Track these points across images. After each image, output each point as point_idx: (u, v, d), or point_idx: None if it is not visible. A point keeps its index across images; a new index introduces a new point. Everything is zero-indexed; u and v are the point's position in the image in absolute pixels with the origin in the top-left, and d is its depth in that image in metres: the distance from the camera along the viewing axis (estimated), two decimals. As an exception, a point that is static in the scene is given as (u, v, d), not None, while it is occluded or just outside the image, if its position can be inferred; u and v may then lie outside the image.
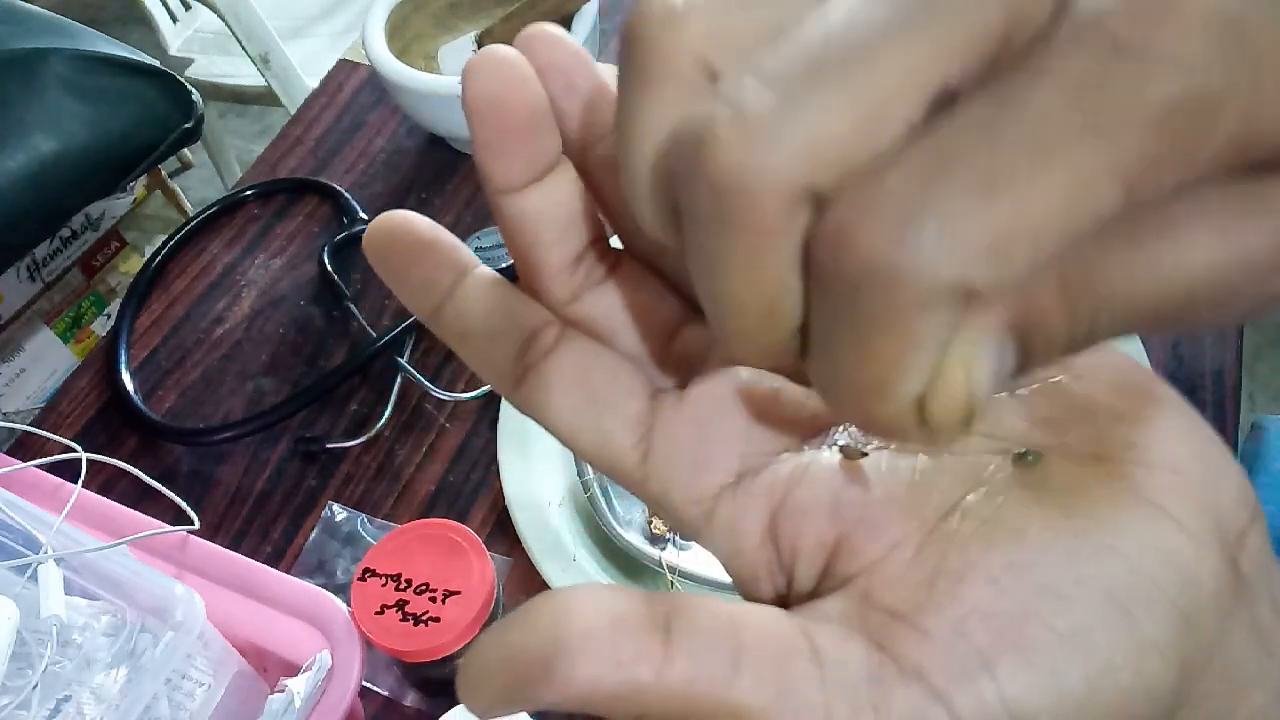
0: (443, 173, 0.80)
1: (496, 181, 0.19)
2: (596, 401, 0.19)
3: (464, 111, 0.18)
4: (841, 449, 0.19)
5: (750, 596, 0.19)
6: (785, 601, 0.18)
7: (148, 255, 0.79)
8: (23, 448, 0.68)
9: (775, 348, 0.15)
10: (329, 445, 0.65)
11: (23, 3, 0.97)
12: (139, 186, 1.04)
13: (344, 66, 0.91)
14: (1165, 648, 0.15)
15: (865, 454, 0.18)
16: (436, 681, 0.54)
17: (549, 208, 0.19)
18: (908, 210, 0.12)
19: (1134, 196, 0.12)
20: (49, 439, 0.66)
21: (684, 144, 0.14)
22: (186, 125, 0.96)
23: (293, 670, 0.49)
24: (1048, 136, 0.12)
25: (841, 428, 0.19)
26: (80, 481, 0.56)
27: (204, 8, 1.42)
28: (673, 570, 0.53)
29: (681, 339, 0.21)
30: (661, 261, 0.21)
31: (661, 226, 0.16)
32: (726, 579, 0.52)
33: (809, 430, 0.19)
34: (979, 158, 0.12)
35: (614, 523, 0.56)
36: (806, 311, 0.15)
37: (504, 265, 0.65)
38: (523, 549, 0.56)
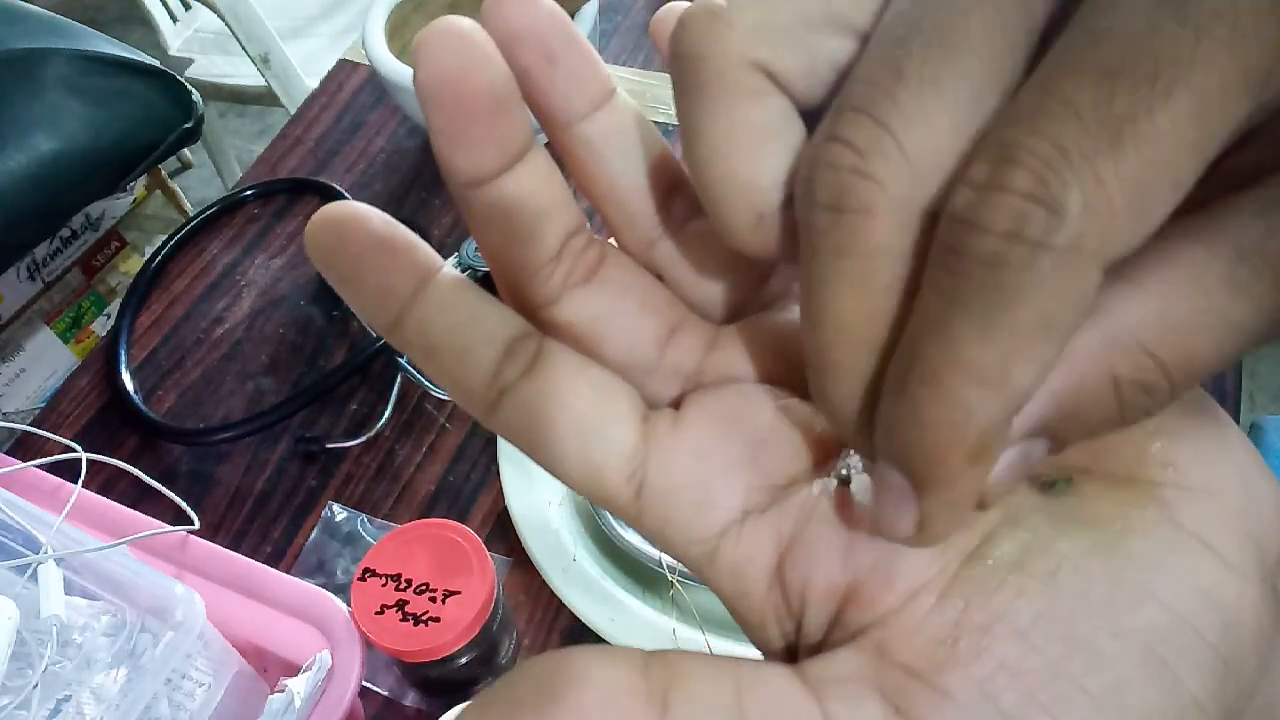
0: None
1: (460, 174, 0.16)
2: (582, 430, 0.17)
3: (417, 96, 0.16)
4: (840, 480, 0.17)
5: (757, 641, 0.17)
6: (795, 649, 0.17)
7: (148, 255, 0.79)
8: (23, 448, 0.68)
9: (860, 385, 0.15)
10: (329, 445, 0.65)
11: (23, 3, 0.97)
12: (139, 186, 1.04)
13: (344, 66, 0.91)
14: (1206, 702, 0.14)
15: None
16: (436, 681, 0.54)
17: (522, 198, 0.17)
18: (1043, 176, 0.12)
19: (1262, 99, 0.12)
20: (49, 439, 0.66)
21: (802, 165, 0.14)
22: (186, 125, 0.96)
23: (293, 670, 0.49)
24: (1160, 53, 0.11)
25: (849, 450, 0.17)
26: (80, 481, 0.56)
27: (204, 8, 1.42)
28: (672, 570, 0.53)
29: (675, 343, 0.19)
30: (655, 253, 0.19)
31: (761, 241, 0.16)
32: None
33: (818, 456, 0.18)
34: (1096, 98, 0.11)
35: (614, 523, 0.56)
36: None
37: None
38: (523, 549, 0.56)
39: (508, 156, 0.16)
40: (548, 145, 0.19)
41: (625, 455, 0.17)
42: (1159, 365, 0.14)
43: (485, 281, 0.18)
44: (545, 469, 0.17)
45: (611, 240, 0.19)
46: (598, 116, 0.18)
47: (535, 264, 0.18)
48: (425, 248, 0.17)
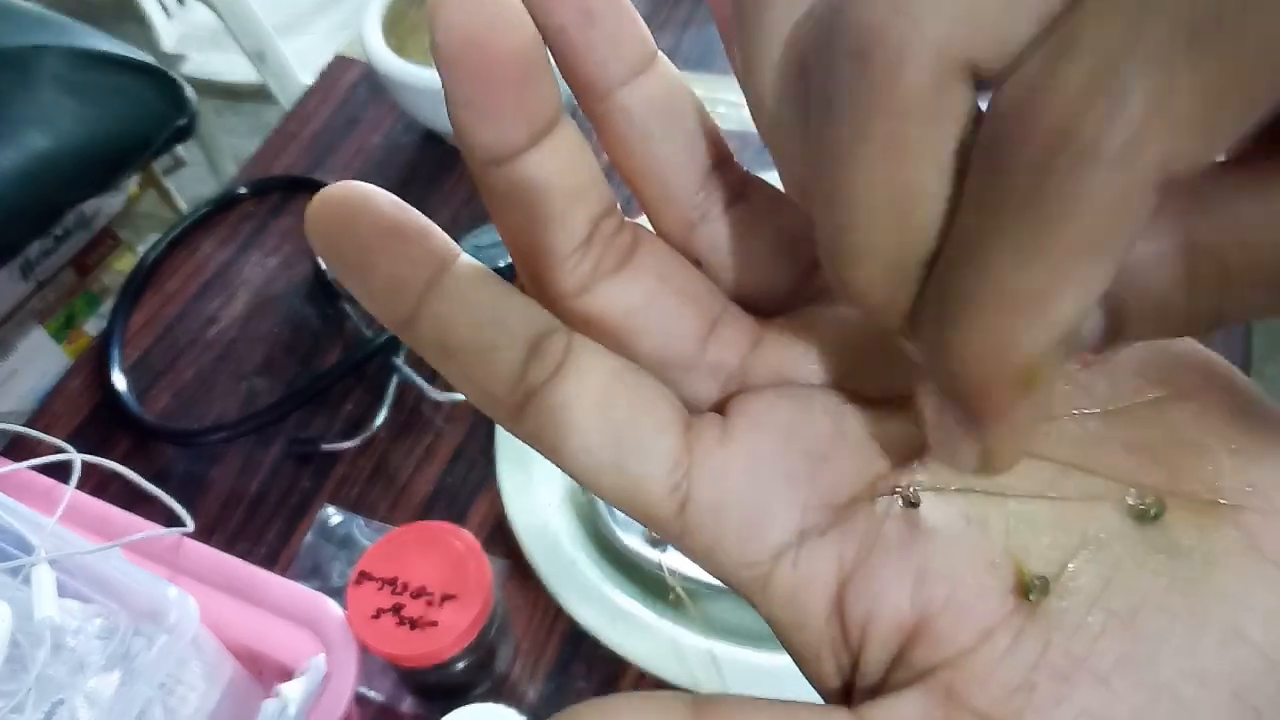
0: (439, 169, 0.80)
1: (480, 150, 0.15)
2: (620, 437, 0.15)
3: (434, 61, 0.14)
4: (908, 501, 0.15)
5: (812, 676, 0.16)
6: (850, 686, 0.15)
7: (141, 254, 0.79)
8: (15, 449, 0.67)
9: (898, 272, 0.13)
10: (324, 446, 0.65)
11: (15, -2, 0.96)
12: (132, 184, 1.03)
13: (340, 63, 0.90)
14: None
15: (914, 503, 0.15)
16: (434, 687, 0.53)
17: (549, 177, 0.15)
18: (1101, 68, 0.10)
19: None
20: (41, 440, 0.65)
21: (818, 13, 0.12)
22: (180, 122, 0.95)
23: (287, 675, 0.48)
24: None
25: (916, 463, 0.16)
26: (73, 483, 0.55)
27: (198, 3, 1.41)
28: (673, 574, 0.53)
29: (717, 338, 0.17)
30: (695, 238, 0.17)
31: (785, 129, 0.14)
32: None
33: (883, 472, 0.16)
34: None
35: (613, 525, 0.55)
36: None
37: (502, 264, 0.65)
38: (521, 552, 0.56)
39: (534, 130, 0.15)
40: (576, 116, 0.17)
41: (667, 467, 0.15)
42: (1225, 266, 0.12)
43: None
44: (578, 481, 0.16)
45: (646, 223, 0.18)
46: (639, 84, 0.16)
47: (562, 250, 0.16)
48: (440, 234, 0.15)
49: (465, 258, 0.16)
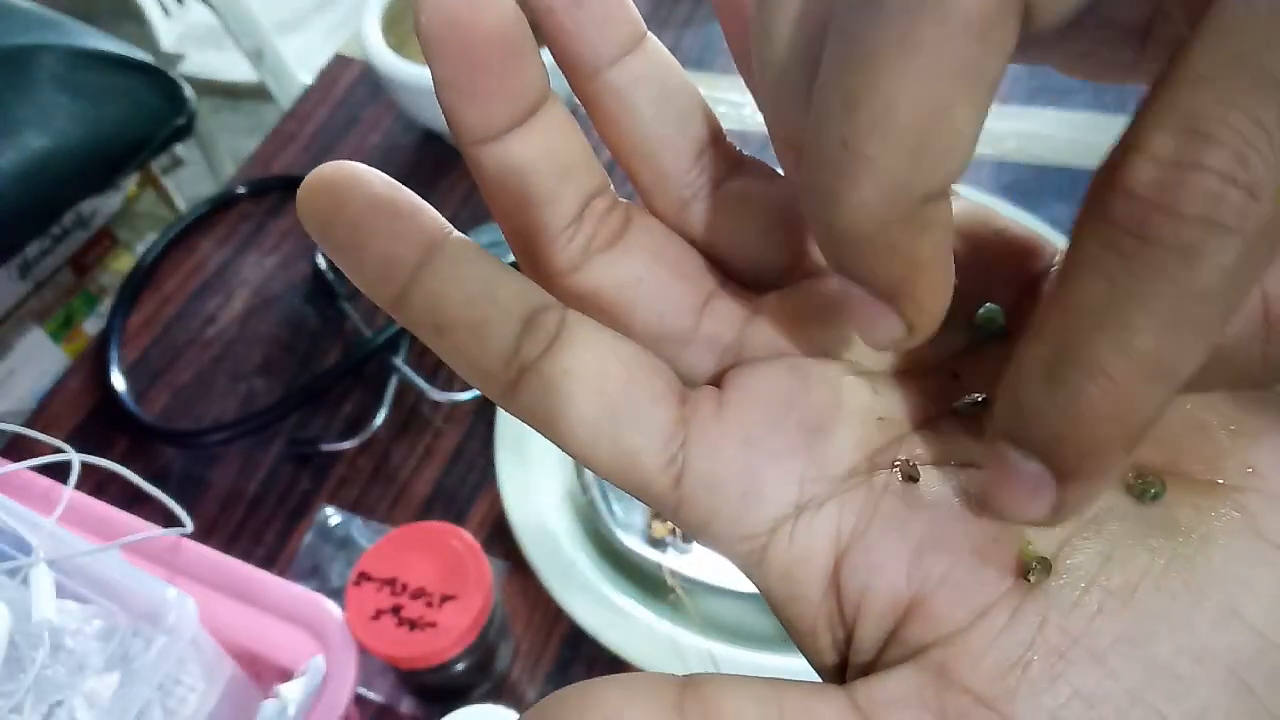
0: (438, 169, 0.80)
1: (468, 130, 0.15)
2: (614, 411, 0.15)
3: (420, 43, 0.14)
4: (907, 475, 0.15)
5: (808, 651, 0.16)
6: (846, 663, 0.15)
7: (139, 254, 0.78)
8: (13, 449, 0.67)
9: (897, 198, 0.12)
10: (323, 447, 0.65)
11: (13, -3, 0.96)
12: (130, 184, 1.03)
13: (339, 62, 0.90)
14: None
15: (915, 478, 0.15)
16: (433, 688, 0.53)
17: (537, 156, 0.16)
18: (1243, 154, 0.11)
19: None
20: (40, 440, 0.65)
21: None
22: (179, 122, 0.95)
23: (286, 676, 0.48)
24: None
25: (915, 436, 0.16)
26: (71, 483, 0.55)
27: (197, 2, 1.41)
28: (673, 574, 0.53)
29: (712, 312, 0.17)
30: (688, 215, 0.18)
31: (791, 91, 0.14)
32: (732, 585, 0.52)
33: (881, 444, 0.16)
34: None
35: (613, 526, 0.55)
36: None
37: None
38: (521, 553, 0.55)
39: (521, 110, 0.15)
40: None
41: (663, 439, 0.15)
42: None
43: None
44: (572, 455, 0.16)
45: (639, 202, 0.18)
46: (628, 62, 0.16)
47: (554, 228, 0.16)
48: (432, 212, 0.15)
49: (458, 235, 0.16)
